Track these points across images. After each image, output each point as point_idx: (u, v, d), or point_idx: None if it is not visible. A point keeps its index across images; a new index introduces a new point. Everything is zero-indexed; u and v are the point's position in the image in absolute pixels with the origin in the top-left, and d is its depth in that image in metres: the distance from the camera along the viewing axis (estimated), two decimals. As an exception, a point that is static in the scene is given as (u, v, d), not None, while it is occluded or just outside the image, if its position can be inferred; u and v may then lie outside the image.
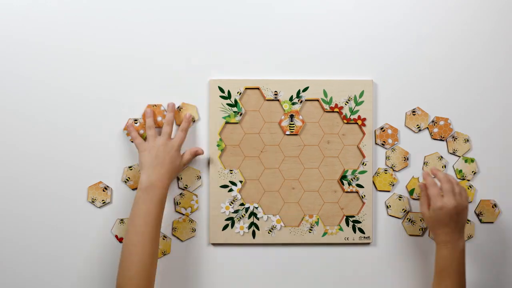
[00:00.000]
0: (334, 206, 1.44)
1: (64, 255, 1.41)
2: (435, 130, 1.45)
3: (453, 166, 1.45)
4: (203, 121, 1.43)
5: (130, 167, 1.41)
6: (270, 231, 1.43)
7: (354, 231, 1.44)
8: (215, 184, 1.42)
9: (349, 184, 1.44)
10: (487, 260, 1.46)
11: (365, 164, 1.43)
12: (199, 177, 1.42)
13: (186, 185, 1.42)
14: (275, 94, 1.43)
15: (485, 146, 1.46)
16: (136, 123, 1.41)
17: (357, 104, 1.43)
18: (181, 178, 1.42)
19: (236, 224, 1.43)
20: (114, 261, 1.40)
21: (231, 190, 1.43)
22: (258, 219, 1.43)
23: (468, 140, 1.45)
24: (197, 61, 1.42)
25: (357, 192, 1.44)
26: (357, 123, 1.43)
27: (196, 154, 1.40)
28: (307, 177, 1.44)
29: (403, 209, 1.44)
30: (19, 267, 1.41)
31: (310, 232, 1.43)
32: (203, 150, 1.41)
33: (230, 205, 1.42)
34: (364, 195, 1.43)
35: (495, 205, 1.45)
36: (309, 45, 1.43)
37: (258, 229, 1.43)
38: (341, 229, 1.44)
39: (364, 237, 1.44)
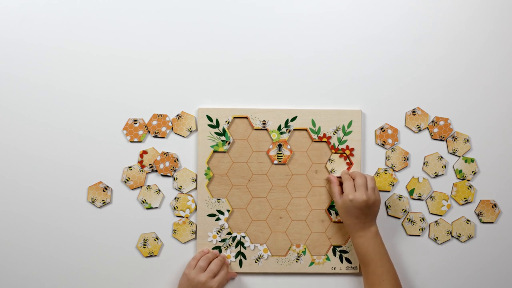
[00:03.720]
0: (321, 236, 1.44)
1: (64, 255, 1.42)
2: (435, 130, 1.44)
3: (453, 166, 1.44)
4: (190, 150, 1.43)
5: (130, 167, 1.41)
6: (257, 260, 1.43)
7: (341, 261, 1.44)
8: (203, 213, 1.42)
9: (337, 214, 1.43)
10: (487, 260, 1.45)
11: None
12: (194, 180, 1.43)
13: (181, 186, 1.43)
14: (264, 123, 1.42)
15: (485, 146, 1.45)
16: (136, 123, 1.41)
17: (346, 134, 1.43)
18: (176, 179, 1.42)
19: (223, 253, 1.43)
20: (115, 261, 1.41)
21: (218, 219, 1.43)
22: (245, 248, 1.43)
23: (468, 140, 1.44)
24: (185, 89, 1.43)
25: None
26: (345, 153, 1.43)
27: (227, 281, 1.43)
28: (295, 206, 1.44)
29: (403, 209, 1.44)
30: (19, 267, 1.42)
31: (297, 261, 1.44)
32: (236, 274, 1.43)
33: (217, 234, 1.43)
34: None
35: (495, 205, 1.44)
36: (299, 73, 1.44)
37: (245, 258, 1.43)
38: (328, 259, 1.44)
39: (351, 267, 1.44)
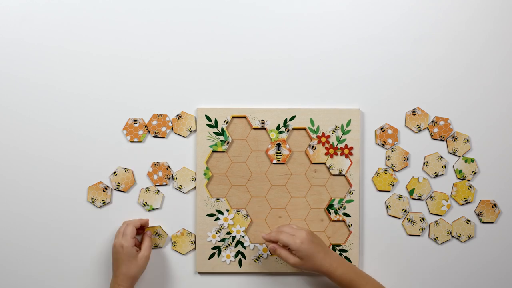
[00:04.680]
0: (320, 235, 1.43)
1: (63, 255, 1.42)
2: (435, 130, 1.44)
3: (453, 166, 1.44)
4: (190, 150, 1.43)
5: (114, 173, 1.42)
6: (257, 259, 1.43)
7: None
8: (202, 212, 1.42)
9: (336, 213, 1.43)
10: (487, 260, 1.45)
11: (352, 193, 1.43)
12: (193, 179, 1.43)
13: (181, 185, 1.43)
14: (262, 123, 1.42)
15: (485, 146, 1.44)
16: (136, 123, 1.41)
17: (344, 133, 1.43)
18: (176, 178, 1.42)
19: (222, 253, 1.43)
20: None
21: (217, 218, 1.43)
22: (244, 247, 1.43)
23: (468, 140, 1.44)
24: (184, 89, 1.43)
25: (343, 221, 1.43)
26: (344, 152, 1.43)
27: (150, 238, 1.40)
28: (294, 206, 1.44)
29: (403, 209, 1.44)
30: (19, 267, 1.42)
31: None
32: (146, 220, 1.42)
33: (217, 233, 1.42)
34: (351, 224, 1.43)
35: (495, 205, 1.44)
36: (299, 74, 1.44)
37: (244, 257, 1.43)
38: None
39: None
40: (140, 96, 1.42)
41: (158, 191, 1.42)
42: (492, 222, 1.44)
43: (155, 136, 1.43)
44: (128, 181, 1.42)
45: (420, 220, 1.44)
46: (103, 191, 1.42)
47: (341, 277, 1.31)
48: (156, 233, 1.42)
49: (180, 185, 1.42)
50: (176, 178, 1.42)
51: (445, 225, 1.44)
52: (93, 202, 1.42)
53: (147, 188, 1.42)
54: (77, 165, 1.42)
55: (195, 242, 1.43)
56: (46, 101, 1.42)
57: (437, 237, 1.44)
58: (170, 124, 1.42)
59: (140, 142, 1.43)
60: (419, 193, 1.43)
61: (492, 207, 1.44)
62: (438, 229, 1.44)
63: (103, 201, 1.42)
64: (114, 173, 1.42)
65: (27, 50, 1.41)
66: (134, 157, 1.43)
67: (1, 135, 1.41)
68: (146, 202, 1.42)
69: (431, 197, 1.44)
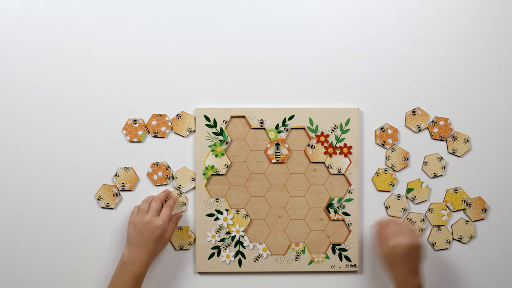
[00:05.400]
0: (320, 234, 1.43)
1: (64, 255, 1.42)
2: (435, 130, 1.44)
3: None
4: (190, 150, 1.43)
5: (116, 174, 1.42)
6: (257, 259, 1.43)
7: (341, 259, 1.43)
8: (201, 213, 1.42)
9: (335, 212, 1.43)
10: (487, 260, 1.45)
11: (351, 192, 1.43)
12: (193, 179, 1.43)
13: (180, 185, 1.43)
14: (261, 123, 1.42)
15: (485, 146, 1.44)
16: (135, 123, 1.41)
17: (343, 132, 1.43)
18: (176, 178, 1.42)
19: (222, 253, 1.43)
20: (115, 261, 1.41)
21: (217, 218, 1.43)
22: (244, 247, 1.43)
23: (468, 140, 1.44)
24: (184, 89, 1.43)
25: (343, 220, 1.43)
26: (343, 151, 1.43)
27: (177, 220, 1.42)
28: (293, 205, 1.44)
29: (402, 208, 1.44)
30: (19, 267, 1.42)
31: (296, 260, 1.43)
32: (180, 214, 1.42)
33: (216, 233, 1.42)
34: (351, 223, 1.43)
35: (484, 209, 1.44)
36: (299, 74, 1.44)
37: (244, 257, 1.43)
38: (327, 257, 1.43)
39: (350, 265, 1.43)
40: (140, 96, 1.42)
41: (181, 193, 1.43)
42: (491, 222, 1.44)
43: (155, 136, 1.42)
44: (132, 179, 1.42)
45: (421, 221, 1.44)
46: (113, 196, 1.42)
47: None
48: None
49: (180, 185, 1.42)
50: (176, 178, 1.42)
51: (446, 233, 1.44)
52: (99, 199, 1.41)
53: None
54: (77, 165, 1.42)
55: (194, 242, 1.43)
56: (46, 101, 1.42)
57: (435, 242, 1.44)
58: (169, 124, 1.42)
59: (140, 142, 1.43)
60: (414, 196, 1.43)
61: (482, 209, 1.44)
62: (438, 235, 1.44)
63: (107, 204, 1.42)
64: (116, 175, 1.42)
65: (27, 50, 1.41)
66: (134, 157, 1.43)
67: (1, 135, 1.41)
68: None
69: (429, 209, 1.43)
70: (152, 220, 1.34)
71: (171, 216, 1.38)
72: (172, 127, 1.43)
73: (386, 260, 1.31)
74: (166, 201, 1.40)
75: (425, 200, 1.44)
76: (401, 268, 1.29)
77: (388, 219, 1.40)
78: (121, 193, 1.42)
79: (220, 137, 1.42)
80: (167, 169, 1.42)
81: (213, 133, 1.42)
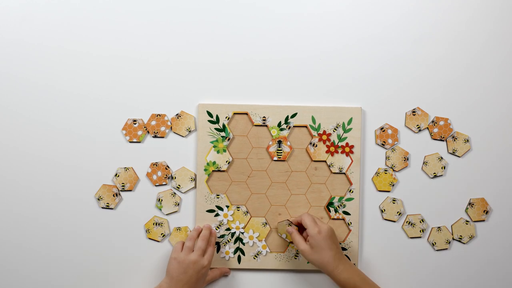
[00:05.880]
0: None
1: (64, 255, 1.42)
2: (435, 130, 1.44)
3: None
4: (189, 149, 1.43)
5: (116, 174, 1.42)
6: (256, 256, 1.43)
7: None
8: (202, 208, 1.42)
9: (336, 211, 1.43)
10: (487, 260, 1.45)
11: (352, 192, 1.43)
12: (192, 179, 1.43)
13: (179, 185, 1.43)
14: (264, 120, 1.43)
15: (485, 146, 1.44)
16: (135, 123, 1.41)
17: (345, 131, 1.43)
18: (175, 178, 1.42)
19: (222, 249, 1.43)
20: (118, 260, 1.42)
21: (217, 214, 1.43)
22: (244, 244, 1.43)
23: (468, 140, 1.44)
24: (184, 89, 1.43)
25: (343, 219, 1.43)
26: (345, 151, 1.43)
27: (223, 275, 1.43)
28: (294, 203, 1.44)
29: (397, 212, 1.44)
30: (19, 267, 1.42)
31: (295, 258, 1.43)
32: (229, 270, 1.43)
33: (216, 229, 1.42)
34: (351, 222, 1.43)
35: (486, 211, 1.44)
36: (299, 74, 1.44)
37: (243, 254, 1.43)
38: None
39: None
40: (139, 96, 1.42)
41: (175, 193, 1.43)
42: (491, 222, 1.44)
43: (155, 136, 1.42)
44: (132, 179, 1.42)
45: (420, 222, 1.44)
46: (113, 196, 1.42)
47: (345, 281, 1.30)
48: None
49: (179, 185, 1.42)
50: (175, 178, 1.42)
51: (446, 233, 1.43)
52: (99, 199, 1.41)
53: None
54: (77, 165, 1.42)
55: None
56: (46, 101, 1.42)
57: (435, 243, 1.44)
58: (169, 123, 1.42)
59: (139, 142, 1.42)
60: (288, 236, 1.43)
61: (484, 211, 1.44)
62: (438, 235, 1.44)
63: (107, 204, 1.41)
64: (116, 175, 1.42)
65: (27, 50, 1.41)
66: (134, 157, 1.43)
67: (1, 135, 1.41)
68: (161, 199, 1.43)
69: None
70: (199, 260, 1.33)
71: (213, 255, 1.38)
72: (171, 127, 1.42)
73: (314, 249, 1.31)
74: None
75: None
76: (331, 252, 1.30)
77: (297, 216, 1.40)
78: (121, 193, 1.42)
79: (222, 133, 1.42)
80: (166, 169, 1.42)
81: (216, 129, 1.42)
